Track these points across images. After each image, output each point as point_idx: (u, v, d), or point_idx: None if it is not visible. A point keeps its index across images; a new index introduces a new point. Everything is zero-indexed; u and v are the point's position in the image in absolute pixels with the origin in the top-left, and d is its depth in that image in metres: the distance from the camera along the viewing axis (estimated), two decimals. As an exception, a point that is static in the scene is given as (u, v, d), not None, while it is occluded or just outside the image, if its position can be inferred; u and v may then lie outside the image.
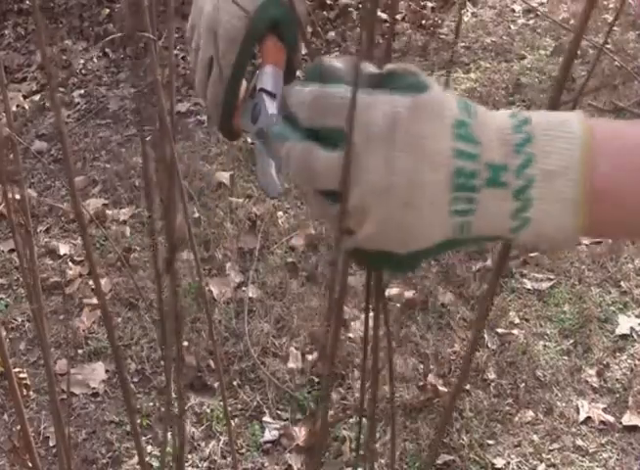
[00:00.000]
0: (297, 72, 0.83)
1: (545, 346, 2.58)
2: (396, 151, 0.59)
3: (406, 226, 0.61)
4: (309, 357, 2.55)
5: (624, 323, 2.63)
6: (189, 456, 2.28)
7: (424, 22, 4.70)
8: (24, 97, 4.22)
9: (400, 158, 0.59)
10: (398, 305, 2.72)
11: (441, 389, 2.41)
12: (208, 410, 2.41)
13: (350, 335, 2.60)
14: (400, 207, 0.60)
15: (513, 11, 4.87)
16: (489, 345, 2.57)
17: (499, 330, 2.62)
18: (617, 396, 2.41)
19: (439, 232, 0.62)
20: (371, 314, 0.79)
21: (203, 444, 2.32)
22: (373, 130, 0.59)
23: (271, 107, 0.75)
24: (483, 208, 0.61)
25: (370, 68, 0.65)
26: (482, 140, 0.60)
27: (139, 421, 2.38)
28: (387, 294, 2.50)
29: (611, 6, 4.53)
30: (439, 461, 2.22)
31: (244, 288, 2.84)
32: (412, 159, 0.59)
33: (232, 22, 0.85)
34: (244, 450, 2.31)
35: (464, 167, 0.60)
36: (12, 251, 3.06)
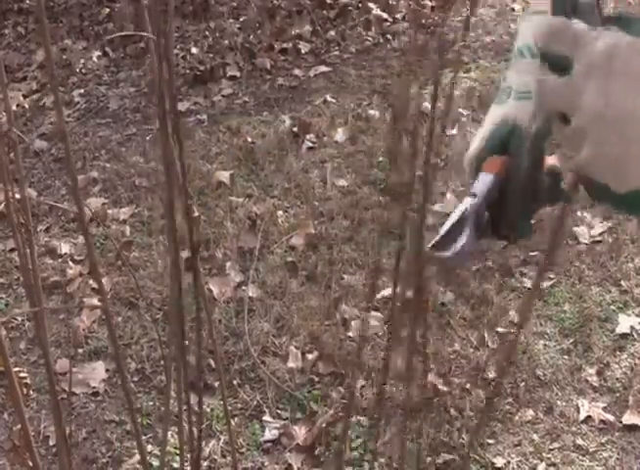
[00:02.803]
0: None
1: (545, 345, 2.58)
2: (612, 80, 0.62)
3: (620, 159, 0.64)
4: (309, 357, 2.55)
5: (624, 322, 2.63)
6: (188, 455, 2.28)
7: (424, 21, 4.69)
8: (25, 96, 4.22)
9: (615, 87, 0.62)
10: (398, 304, 2.71)
11: (441, 388, 2.40)
12: (208, 409, 2.41)
13: (350, 334, 2.60)
14: (614, 136, 0.63)
15: (512, 10, 4.87)
16: (489, 344, 2.57)
17: (499, 329, 2.62)
18: (618, 395, 2.41)
19: None
20: (372, 313, 0.79)
21: (203, 443, 2.32)
22: (593, 58, 0.63)
23: (471, 207, 0.85)
24: None
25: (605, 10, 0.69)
26: None
27: (139, 420, 2.38)
28: (387, 293, 2.49)
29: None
30: (439, 460, 2.22)
31: (244, 287, 2.84)
32: (627, 90, 0.62)
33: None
34: (244, 450, 2.31)
35: None
36: (12, 250, 3.06)
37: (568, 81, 0.65)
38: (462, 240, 0.84)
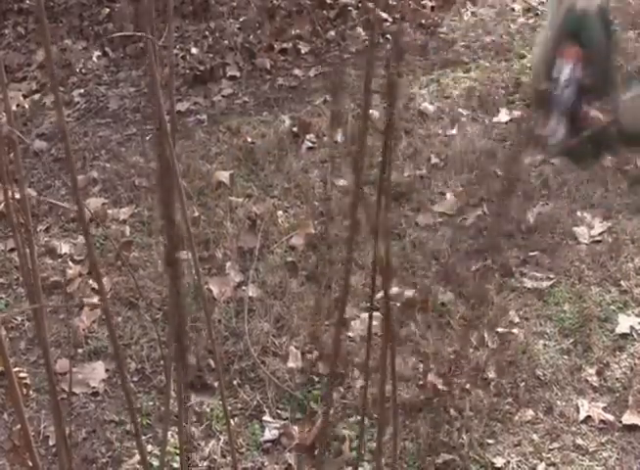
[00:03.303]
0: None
1: (545, 345, 2.58)
2: None
3: None
4: (309, 357, 2.55)
5: (624, 322, 2.63)
6: (189, 455, 2.28)
7: (424, 21, 4.70)
8: (24, 96, 4.22)
9: None
10: (398, 304, 2.72)
11: (441, 388, 2.40)
12: (208, 409, 2.41)
13: (350, 334, 2.60)
14: None
15: (513, 10, 4.87)
16: (489, 344, 2.57)
17: (499, 329, 2.62)
18: (617, 395, 2.41)
19: None
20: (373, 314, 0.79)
21: (202, 443, 2.32)
22: None
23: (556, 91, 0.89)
24: None
25: None
26: None
27: (139, 420, 2.38)
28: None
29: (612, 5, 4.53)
30: (439, 460, 2.22)
31: (243, 287, 2.84)
32: None
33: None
34: (244, 450, 2.31)
35: None
36: (12, 250, 3.06)
37: None
38: (553, 121, 0.85)
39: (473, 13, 4.83)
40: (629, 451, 2.25)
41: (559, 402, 2.39)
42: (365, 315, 2.63)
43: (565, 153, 0.84)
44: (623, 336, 2.59)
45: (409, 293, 2.74)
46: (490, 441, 2.28)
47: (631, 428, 2.31)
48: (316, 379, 2.48)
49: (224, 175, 3.42)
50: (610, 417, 2.33)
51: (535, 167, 3.38)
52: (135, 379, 2.54)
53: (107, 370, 2.58)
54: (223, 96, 4.18)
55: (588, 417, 2.34)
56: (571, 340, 2.58)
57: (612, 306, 2.70)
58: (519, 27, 4.61)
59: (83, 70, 4.44)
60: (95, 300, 2.80)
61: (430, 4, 4.83)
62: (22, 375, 2.41)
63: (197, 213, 3.15)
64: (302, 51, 4.49)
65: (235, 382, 2.50)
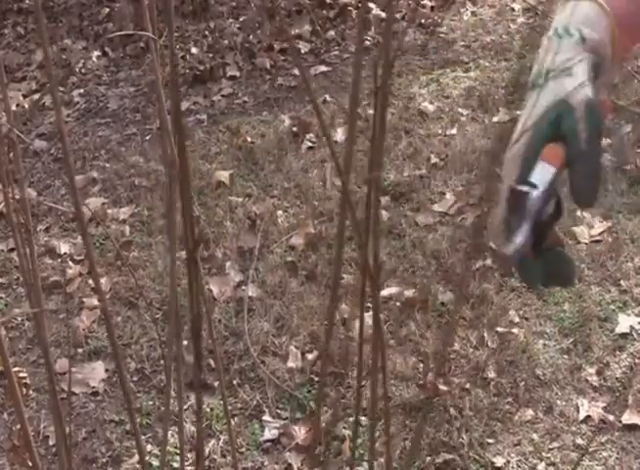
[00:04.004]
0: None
1: (545, 344, 2.58)
2: None
3: None
4: (309, 356, 2.55)
5: (624, 322, 2.63)
6: (188, 455, 2.28)
7: (423, 20, 4.70)
8: (24, 96, 4.22)
9: None
10: (398, 303, 2.72)
11: (441, 388, 2.40)
12: (208, 409, 2.41)
13: (350, 334, 2.60)
14: None
15: (512, 10, 4.87)
16: (489, 343, 2.57)
17: (499, 329, 2.62)
18: (617, 394, 2.41)
19: None
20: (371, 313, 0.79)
21: (202, 443, 2.32)
22: None
23: (533, 198, 0.82)
24: None
25: None
26: None
27: (139, 420, 2.38)
28: (387, 293, 2.51)
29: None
30: (439, 460, 2.22)
31: (243, 287, 2.84)
32: None
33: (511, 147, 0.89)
34: (243, 449, 2.31)
35: None
36: (12, 250, 3.06)
37: None
38: (521, 235, 0.81)
39: (473, 13, 4.83)
40: (629, 451, 2.25)
41: (559, 402, 2.39)
42: (367, 315, 2.63)
43: (516, 266, 0.79)
44: (623, 336, 2.59)
45: (409, 293, 2.74)
46: (490, 440, 2.29)
47: (631, 428, 2.31)
48: (316, 379, 2.48)
49: (224, 175, 3.42)
50: (610, 417, 2.33)
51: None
52: (135, 379, 2.54)
53: (106, 370, 2.58)
54: (223, 96, 4.18)
55: (588, 417, 2.34)
56: (571, 339, 2.58)
57: (611, 306, 2.70)
58: (519, 27, 4.60)
59: (83, 70, 4.44)
60: (95, 299, 2.80)
61: (430, 4, 4.83)
62: (22, 375, 2.41)
63: (197, 213, 3.15)
64: (302, 51, 4.49)
65: (235, 382, 2.50)
